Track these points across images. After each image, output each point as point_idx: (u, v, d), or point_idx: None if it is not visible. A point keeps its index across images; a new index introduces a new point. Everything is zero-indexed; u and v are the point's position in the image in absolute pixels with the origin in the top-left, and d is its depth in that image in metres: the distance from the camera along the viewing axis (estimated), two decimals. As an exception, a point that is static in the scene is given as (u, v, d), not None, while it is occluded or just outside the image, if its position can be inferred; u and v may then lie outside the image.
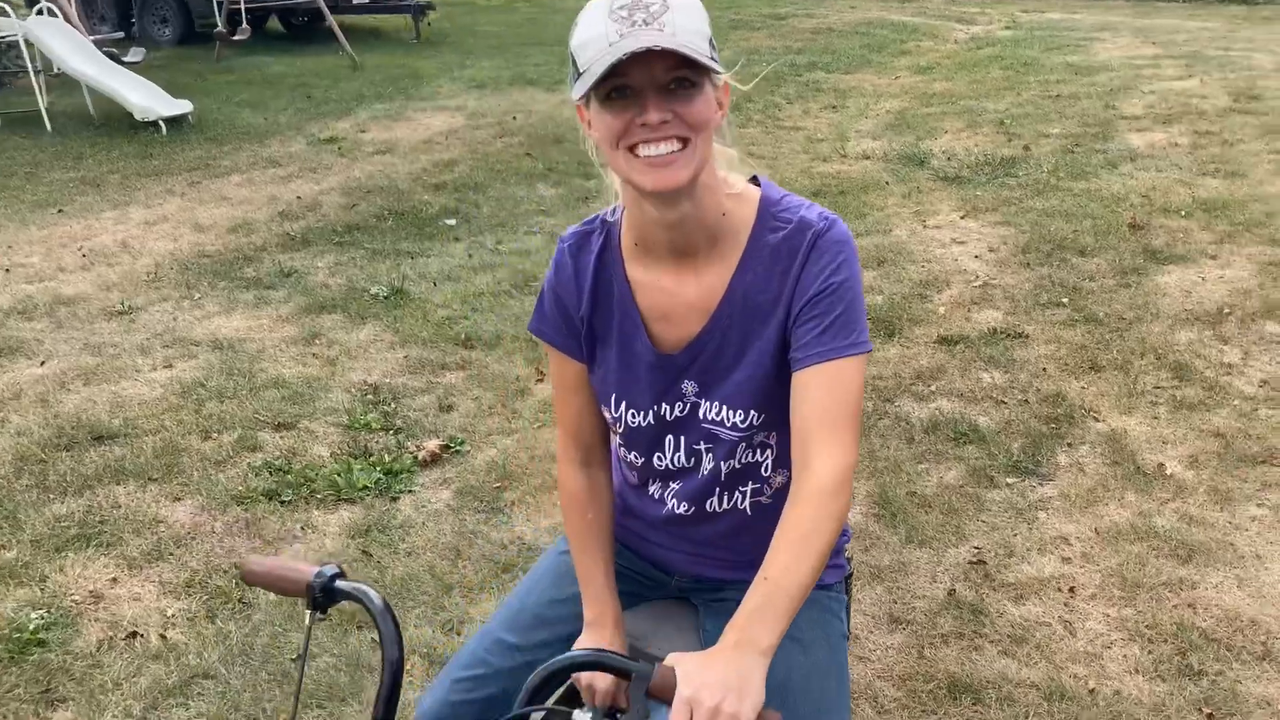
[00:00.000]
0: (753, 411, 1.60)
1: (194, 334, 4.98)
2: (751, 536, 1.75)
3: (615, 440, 1.79)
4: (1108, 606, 3.02)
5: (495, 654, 1.80)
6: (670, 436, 1.68)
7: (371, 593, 1.38)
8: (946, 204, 6.65)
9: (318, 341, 4.88)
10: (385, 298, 5.37)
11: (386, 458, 3.86)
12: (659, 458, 1.70)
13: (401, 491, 3.68)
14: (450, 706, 1.77)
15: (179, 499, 3.66)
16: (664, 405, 1.66)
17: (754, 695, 1.26)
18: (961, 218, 6.36)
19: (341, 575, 1.41)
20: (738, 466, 1.67)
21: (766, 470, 1.69)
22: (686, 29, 1.37)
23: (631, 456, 1.73)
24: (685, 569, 1.84)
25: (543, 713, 1.42)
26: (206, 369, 4.59)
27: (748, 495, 1.71)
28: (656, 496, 1.76)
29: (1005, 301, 5.12)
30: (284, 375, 4.53)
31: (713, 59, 1.41)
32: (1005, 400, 4.18)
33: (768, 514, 1.72)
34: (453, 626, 3.00)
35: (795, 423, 1.50)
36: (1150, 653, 2.84)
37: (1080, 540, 3.32)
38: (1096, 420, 4.01)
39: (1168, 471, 3.65)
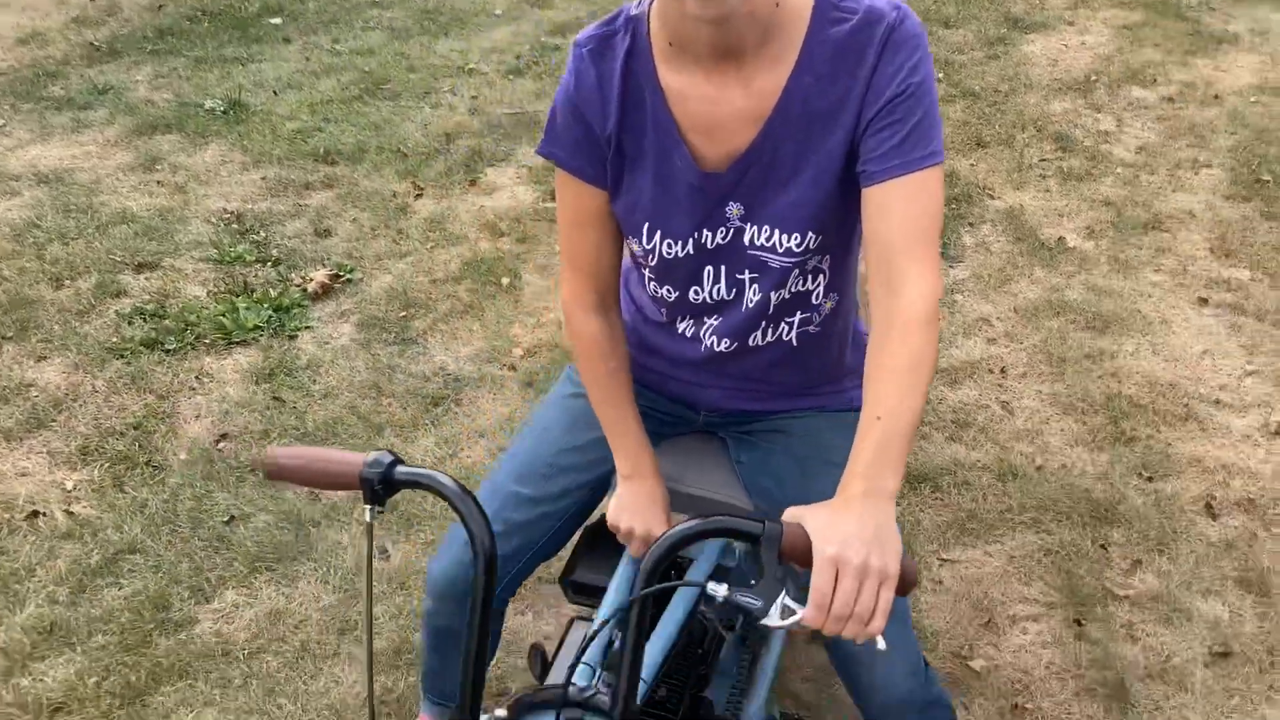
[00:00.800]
0: (810, 234, 1.44)
1: (9, 167, 4.38)
2: (794, 367, 1.64)
3: (640, 274, 1.62)
4: (1039, 384, 3.10)
5: (510, 508, 1.66)
6: (710, 267, 1.51)
7: (441, 477, 1.20)
8: (803, -22, 6.42)
9: (159, 168, 4.38)
10: (223, 112, 4.84)
11: (272, 293, 3.54)
12: (696, 291, 1.54)
13: (298, 329, 3.40)
14: (465, 567, 1.64)
15: (44, 358, 3.27)
16: (705, 232, 1.47)
17: (895, 545, 1.17)
18: (821, -7, 6.17)
19: (399, 461, 1.22)
20: (787, 296, 1.53)
21: (818, 298, 1.55)
22: None
23: (663, 291, 1.56)
24: (715, 404, 1.72)
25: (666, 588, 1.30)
26: (36, 207, 4.06)
27: (795, 326, 1.57)
28: (690, 334, 1.61)
29: (882, 80, 5.02)
30: (130, 208, 4.06)
31: None
32: (902, 183, 4.15)
33: (814, 343, 1.61)
34: (394, 469, 2.83)
35: (874, 243, 1.34)
36: (1085, 424, 2.95)
37: (1001, 320, 3.37)
38: (992, 198, 4.04)
39: (1069, 244, 3.73)
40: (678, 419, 1.77)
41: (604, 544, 1.80)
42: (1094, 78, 4.93)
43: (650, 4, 1.39)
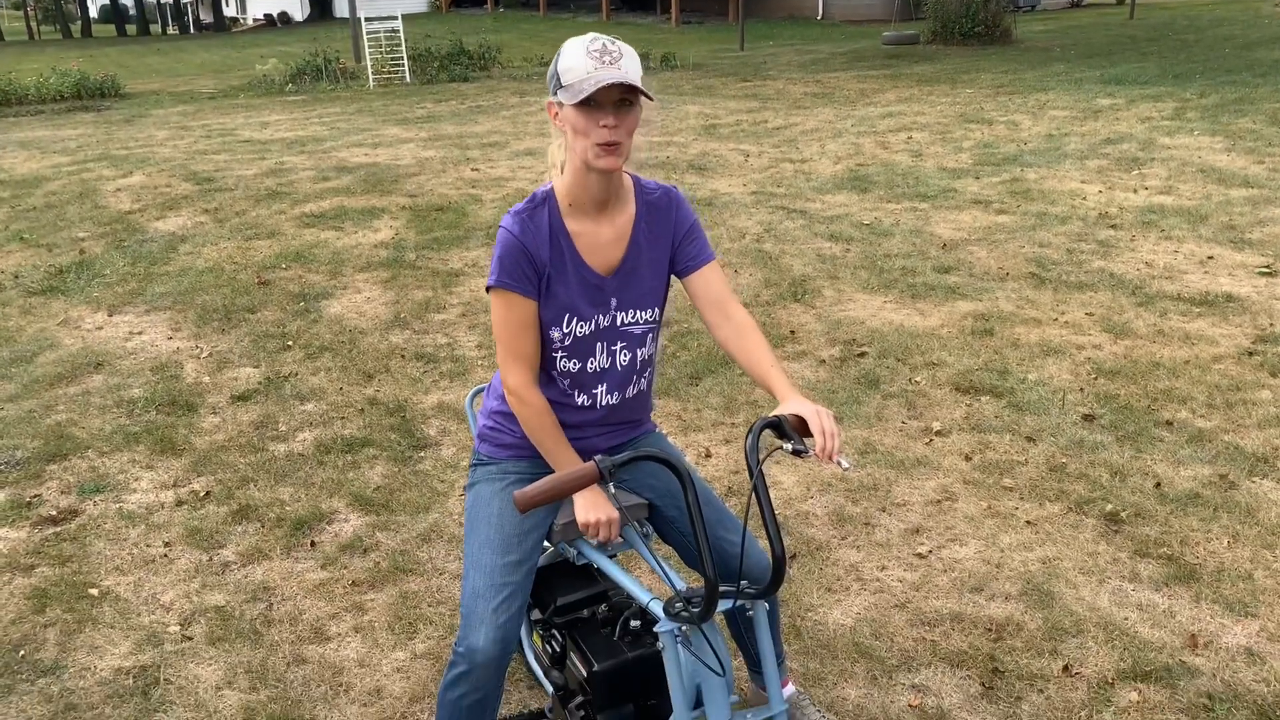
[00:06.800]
0: (656, 308, 2.38)
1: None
2: (643, 403, 2.53)
3: (552, 358, 2.33)
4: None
5: (506, 573, 2.28)
6: (599, 343, 2.33)
7: (639, 450, 1.90)
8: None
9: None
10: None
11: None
12: (591, 361, 2.34)
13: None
14: (504, 632, 2.23)
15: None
16: (598, 317, 2.30)
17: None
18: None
19: (607, 453, 2.20)
20: (644, 356, 2.40)
21: (652, 353, 2.45)
22: (633, 70, 2.07)
23: (570, 364, 2.34)
24: (598, 448, 2.46)
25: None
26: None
27: (645, 376, 2.46)
28: (586, 403, 2.39)
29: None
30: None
31: (645, 89, 2.09)
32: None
33: (650, 384, 2.53)
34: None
35: (708, 300, 2.34)
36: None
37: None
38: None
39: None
40: None
41: (541, 586, 2.56)
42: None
43: (551, 186, 2.28)
